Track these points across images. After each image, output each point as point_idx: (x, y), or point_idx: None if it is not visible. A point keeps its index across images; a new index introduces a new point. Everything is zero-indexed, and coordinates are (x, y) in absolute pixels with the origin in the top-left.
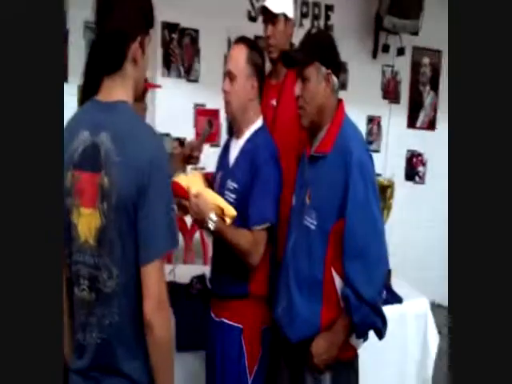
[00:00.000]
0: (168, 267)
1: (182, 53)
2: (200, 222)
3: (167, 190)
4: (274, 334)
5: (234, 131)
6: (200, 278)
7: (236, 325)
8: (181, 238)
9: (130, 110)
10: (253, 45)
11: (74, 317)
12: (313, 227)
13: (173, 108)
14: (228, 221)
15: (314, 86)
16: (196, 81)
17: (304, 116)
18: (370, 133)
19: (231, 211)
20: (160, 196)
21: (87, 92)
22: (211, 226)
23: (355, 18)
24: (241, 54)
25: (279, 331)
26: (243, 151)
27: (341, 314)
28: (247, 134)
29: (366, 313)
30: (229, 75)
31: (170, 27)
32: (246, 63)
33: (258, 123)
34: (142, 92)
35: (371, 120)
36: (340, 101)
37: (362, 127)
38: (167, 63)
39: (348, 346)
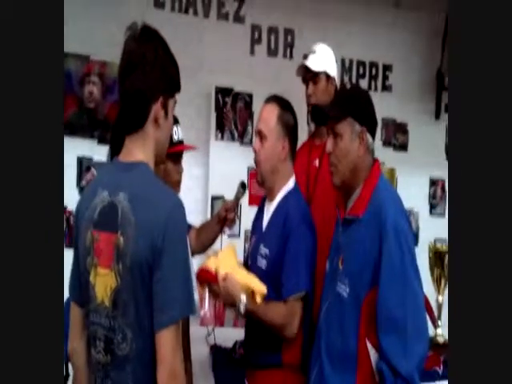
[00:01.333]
0: (206, 330)
1: (235, 116)
2: (231, 306)
3: (183, 252)
4: None
5: (265, 193)
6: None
7: None
8: None
9: (149, 171)
10: (285, 104)
11: (90, 378)
12: (345, 295)
13: (226, 171)
14: (258, 300)
15: (347, 143)
16: (249, 144)
17: (335, 174)
18: (433, 196)
19: (261, 289)
20: (175, 259)
21: (113, 151)
22: (241, 309)
23: (415, 77)
24: (272, 113)
25: None
26: (275, 215)
27: None
28: (279, 196)
29: None
30: (259, 134)
31: (223, 92)
32: (276, 123)
33: (290, 185)
34: (176, 155)
35: (434, 183)
36: (375, 160)
37: (425, 190)
38: (221, 127)
39: None
